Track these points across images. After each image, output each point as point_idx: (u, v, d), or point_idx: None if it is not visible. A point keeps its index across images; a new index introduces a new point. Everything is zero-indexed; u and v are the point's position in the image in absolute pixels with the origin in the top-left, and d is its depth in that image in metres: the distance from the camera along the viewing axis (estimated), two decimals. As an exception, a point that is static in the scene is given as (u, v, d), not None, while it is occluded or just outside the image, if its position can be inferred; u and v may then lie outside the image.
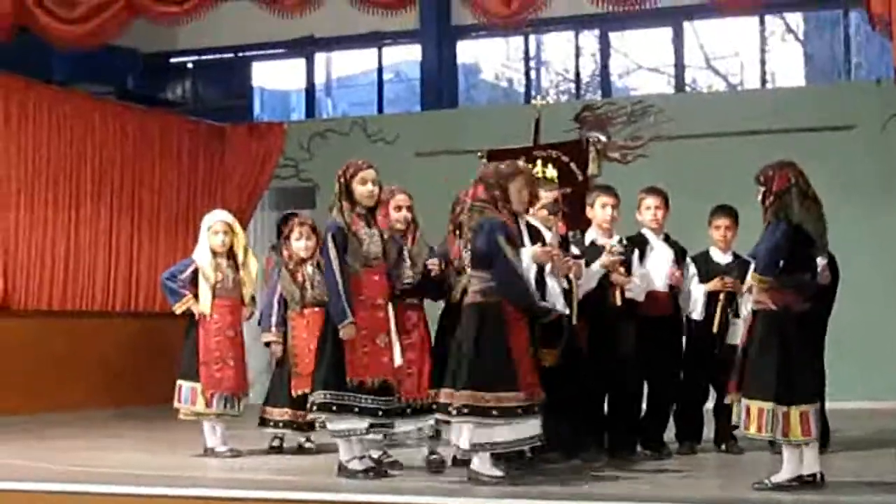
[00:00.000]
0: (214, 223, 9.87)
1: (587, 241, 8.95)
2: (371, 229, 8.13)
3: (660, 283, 9.14)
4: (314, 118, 18.09)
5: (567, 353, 8.17)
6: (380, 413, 8.04)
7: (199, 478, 8.57)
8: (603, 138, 13.53)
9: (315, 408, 8.09)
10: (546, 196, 8.56)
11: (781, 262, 7.33)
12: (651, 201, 9.33)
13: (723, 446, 9.29)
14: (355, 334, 7.95)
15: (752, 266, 7.56)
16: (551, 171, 9.62)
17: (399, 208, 8.62)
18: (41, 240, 14.28)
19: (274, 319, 10.03)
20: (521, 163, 8.22)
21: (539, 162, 9.38)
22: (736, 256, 9.49)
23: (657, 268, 9.11)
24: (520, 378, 7.53)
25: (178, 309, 9.80)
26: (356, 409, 7.97)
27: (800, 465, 7.33)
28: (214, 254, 9.77)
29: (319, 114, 18.55)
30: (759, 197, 7.51)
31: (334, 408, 7.99)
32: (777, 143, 13.43)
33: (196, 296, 9.74)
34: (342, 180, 8.13)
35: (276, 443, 10.11)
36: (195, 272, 9.78)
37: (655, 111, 13.76)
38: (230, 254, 9.87)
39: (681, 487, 7.72)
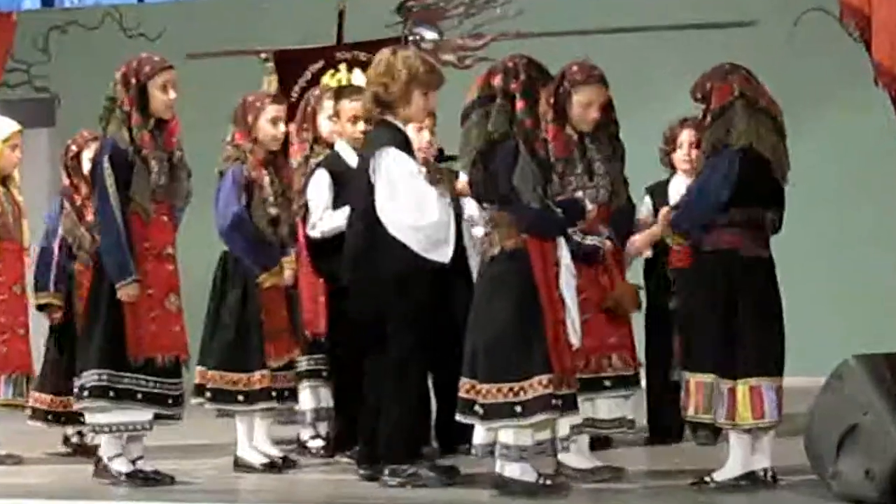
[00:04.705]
0: (13, 134, 8.67)
1: None
2: (160, 152, 7.32)
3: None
4: (52, 7, 16.31)
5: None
6: (169, 401, 7.39)
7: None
8: (432, 36, 13.84)
9: (86, 393, 7.24)
10: (350, 108, 7.95)
11: (717, 208, 6.75)
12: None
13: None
14: (140, 294, 7.21)
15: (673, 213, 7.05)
16: (359, 77, 9.45)
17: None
18: None
19: (53, 275, 8.80)
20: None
21: (343, 66, 9.79)
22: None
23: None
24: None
25: None
26: (139, 396, 7.27)
27: (751, 458, 6.70)
28: None
29: (60, 2, 16.71)
30: (700, 117, 7.12)
31: (112, 393, 7.20)
32: (658, 44, 12.85)
33: None
34: (134, 81, 7.26)
35: (75, 438, 8.87)
36: None
37: (502, 2, 13.68)
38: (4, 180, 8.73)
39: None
